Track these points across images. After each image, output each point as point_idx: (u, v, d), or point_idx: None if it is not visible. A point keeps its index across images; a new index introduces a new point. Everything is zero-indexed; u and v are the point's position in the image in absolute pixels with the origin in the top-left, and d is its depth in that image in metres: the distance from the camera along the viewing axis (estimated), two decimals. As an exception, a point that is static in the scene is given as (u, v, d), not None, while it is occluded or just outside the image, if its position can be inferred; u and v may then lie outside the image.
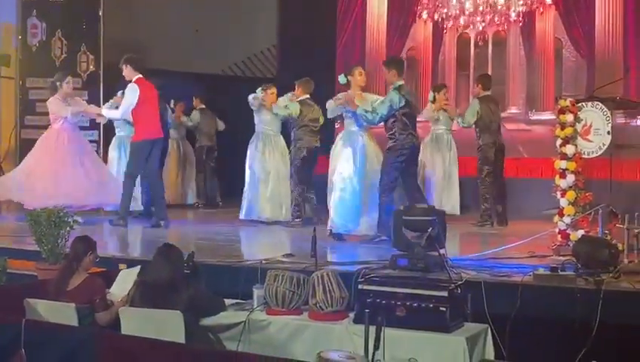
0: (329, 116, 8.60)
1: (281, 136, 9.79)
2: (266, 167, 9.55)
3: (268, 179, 9.49)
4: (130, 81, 8.96)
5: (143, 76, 9.03)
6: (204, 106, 12.04)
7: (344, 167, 7.89)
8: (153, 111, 9.01)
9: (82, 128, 9.91)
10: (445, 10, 12.85)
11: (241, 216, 9.49)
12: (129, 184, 8.91)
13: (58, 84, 9.24)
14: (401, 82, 7.86)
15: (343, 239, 7.89)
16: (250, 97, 9.61)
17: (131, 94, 8.91)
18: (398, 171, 7.68)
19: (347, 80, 8.22)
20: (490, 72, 12.17)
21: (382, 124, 7.85)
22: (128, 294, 5.09)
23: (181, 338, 4.62)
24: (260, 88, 9.71)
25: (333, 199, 7.90)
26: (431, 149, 9.98)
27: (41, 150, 9.13)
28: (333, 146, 8.17)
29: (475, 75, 11.73)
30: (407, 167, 7.73)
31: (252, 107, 9.63)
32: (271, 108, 9.44)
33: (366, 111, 7.76)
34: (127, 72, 8.92)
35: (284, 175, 9.56)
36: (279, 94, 9.78)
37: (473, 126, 9.47)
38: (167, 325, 4.68)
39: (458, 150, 10.23)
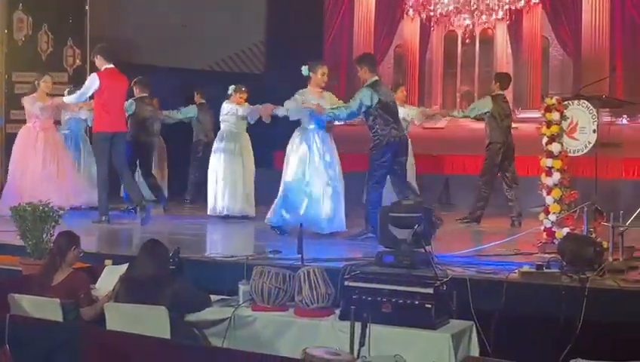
0: (291, 118, 8.15)
1: (247, 134, 9.82)
2: (233, 165, 9.60)
3: (236, 177, 9.50)
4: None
5: (117, 67, 8.99)
6: (203, 101, 11.73)
7: (300, 165, 7.86)
8: (115, 104, 8.93)
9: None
10: (432, 7, 12.88)
11: (220, 213, 9.48)
12: (100, 179, 8.88)
13: (36, 83, 9.37)
14: (375, 78, 7.77)
15: (287, 232, 7.81)
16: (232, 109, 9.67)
17: (89, 82, 8.91)
18: (386, 168, 7.64)
19: (309, 75, 8.09)
20: (477, 70, 12.21)
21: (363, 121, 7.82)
22: (113, 289, 5.08)
23: (166, 334, 4.61)
24: (232, 86, 9.72)
25: (285, 196, 7.87)
26: None
27: (16, 153, 9.36)
28: (290, 144, 8.07)
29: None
30: (393, 163, 7.69)
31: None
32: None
33: (332, 109, 7.75)
34: (98, 62, 8.91)
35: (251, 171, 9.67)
36: (267, 90, 9.74)
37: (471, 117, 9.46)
38: (152, 321, 4.67)
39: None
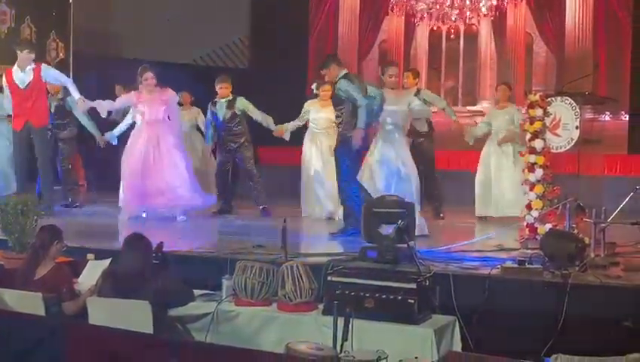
0: None
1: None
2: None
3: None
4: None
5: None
6: None
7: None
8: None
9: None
10: (414, 3, 12.89)
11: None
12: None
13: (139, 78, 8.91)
14: (345, 70, 7.75)
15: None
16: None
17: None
18: (351, 159, 7.63)
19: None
20: (461, 66, 12.24)
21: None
22: (96, 284, 5.06)
23: (149, 329, 4.59)
24: (315, 83, 9.47)
25: None
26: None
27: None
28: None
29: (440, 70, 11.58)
30: (356, 155, 7.68)
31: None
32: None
33: (361, 122, 7.52)
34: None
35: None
36: (252, 85, 9.72)
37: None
38: (135, 315, 4.66)
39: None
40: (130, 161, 8.71)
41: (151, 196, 8.57)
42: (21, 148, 8.81)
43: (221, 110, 9.38)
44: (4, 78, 8.82)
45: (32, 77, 8.73)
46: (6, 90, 8.84)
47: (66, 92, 9.33)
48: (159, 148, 8.68)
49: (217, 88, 9.41)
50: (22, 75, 8.72)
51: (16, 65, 8.75)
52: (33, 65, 8.74)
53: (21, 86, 8.75)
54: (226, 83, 9.40)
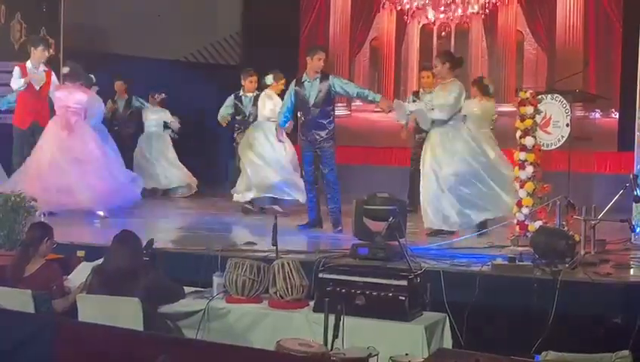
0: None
1: None
2: None
3: None
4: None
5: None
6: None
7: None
8: None
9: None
10: (406, 1, 12.89)
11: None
12: None
13: None
14: None
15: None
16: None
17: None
18: None
19: None
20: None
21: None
22: (86, 281, 5.05)
23: (139, 326, 4.59)
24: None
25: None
26: None
27: None
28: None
29: None
30: None
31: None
32: None
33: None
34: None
35: None
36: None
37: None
38: (125, 312, 4.65)
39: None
40: None
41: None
42: (23, 146, 8.74)
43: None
44: (18, 72, 8.72)
45: (45, 80, 8.74)
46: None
47: None
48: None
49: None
50: (38, 76, 8.70)
51: (29, 62, 8.69)
52: (45, 68, 8.72)
53: (36, 87, 8.72)
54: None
